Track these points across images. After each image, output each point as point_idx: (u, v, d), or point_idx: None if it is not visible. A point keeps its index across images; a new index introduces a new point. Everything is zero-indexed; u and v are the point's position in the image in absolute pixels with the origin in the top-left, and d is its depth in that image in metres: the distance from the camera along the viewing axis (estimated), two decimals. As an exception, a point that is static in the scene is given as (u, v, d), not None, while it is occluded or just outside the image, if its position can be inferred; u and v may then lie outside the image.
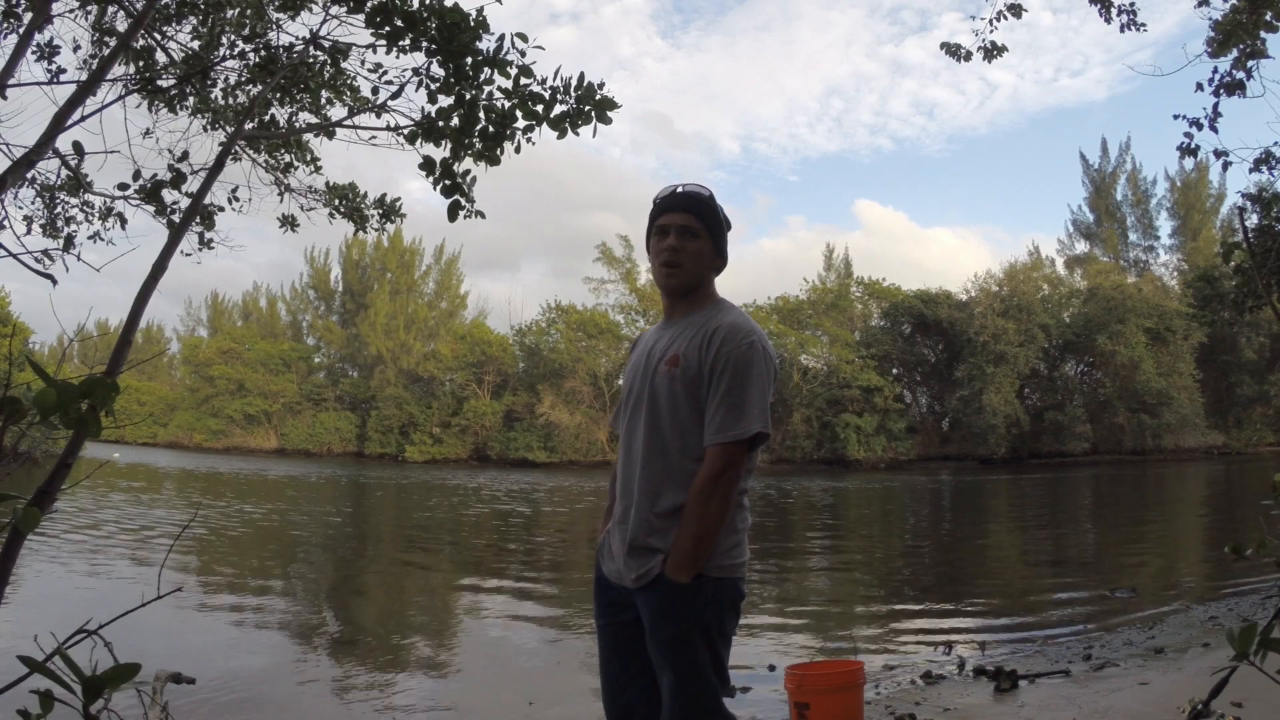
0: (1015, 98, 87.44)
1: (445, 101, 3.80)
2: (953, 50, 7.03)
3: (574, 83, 3.60)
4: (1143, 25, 6.37)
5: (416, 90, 3.86)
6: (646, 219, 2.41)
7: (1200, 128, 6.28)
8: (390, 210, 5.01)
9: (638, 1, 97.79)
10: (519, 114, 3.71)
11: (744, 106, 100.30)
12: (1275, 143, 7.01)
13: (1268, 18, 5.78)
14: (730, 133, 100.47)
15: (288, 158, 5.12)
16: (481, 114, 3.74)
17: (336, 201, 5.07)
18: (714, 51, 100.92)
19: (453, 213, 3.88)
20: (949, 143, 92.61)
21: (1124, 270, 47.26)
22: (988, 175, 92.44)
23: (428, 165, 3.86)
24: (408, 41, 3.68)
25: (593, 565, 2.47)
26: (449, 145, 3.87)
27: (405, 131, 3.94)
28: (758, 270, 74.21)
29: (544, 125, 3.68)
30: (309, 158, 5.15)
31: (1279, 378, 40.68)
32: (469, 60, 3.63)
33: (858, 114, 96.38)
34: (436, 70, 3.77)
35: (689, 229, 2.30)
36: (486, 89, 3.71)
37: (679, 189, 2.36)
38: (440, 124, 3.79)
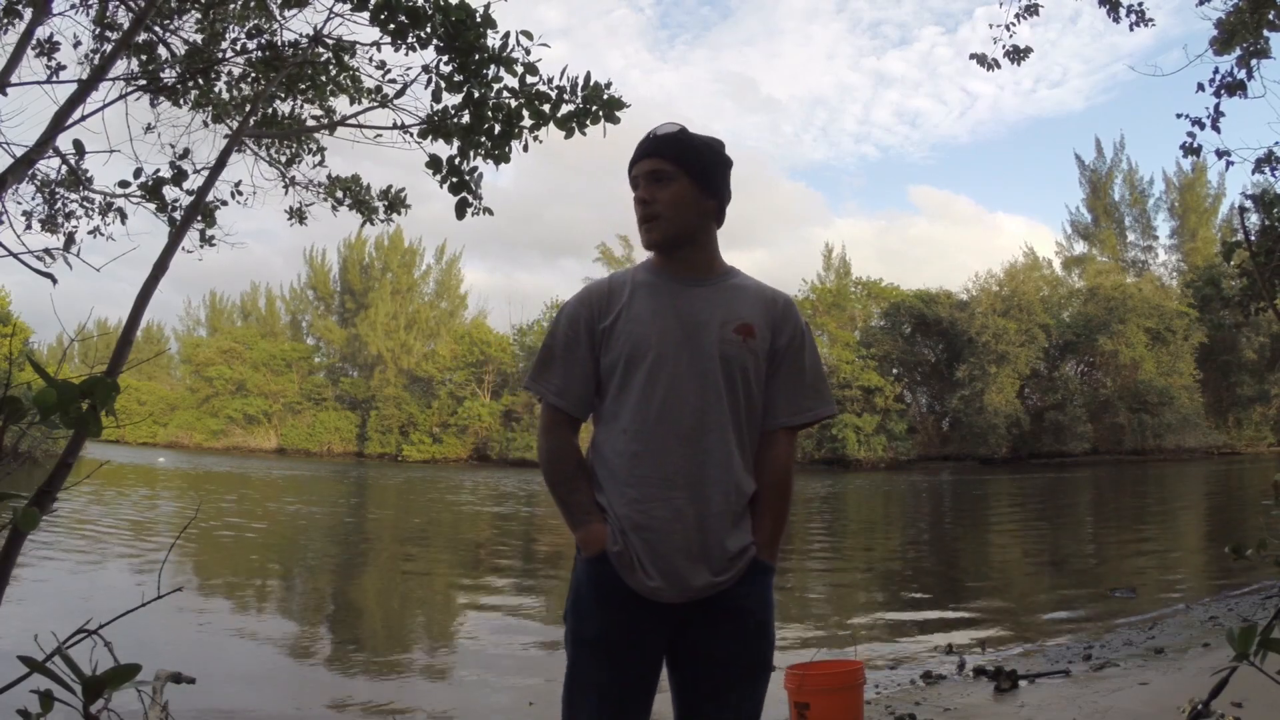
0: (996, 108, 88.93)
1: (451, 99, 3.80)
2: (981, 59, 7.16)
3: (580, 83, 3.60)
4: (1150, 21, 6.42)
5: (426, 88, 3.86)
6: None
7: (1203, 127, 6.29)
8: (396, 201, 4.97)
9: (625, 17, 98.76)
10: (525, 113, 3.71)
11: (730, 116, 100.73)
12: (1276, 143, 7.00)
13: (1270, 17, 5.78)
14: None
15: (292, 149, 5.09)
16: (489, 112, 3.74)
17: (340, 193, 5.03)
18: (700, 65, 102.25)
19: (460, 210, 3.89)
20: (932, 150, 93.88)
21: (1123, 270, 47.20)
22: (975, 181, 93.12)
23: (434, 164, 3.86)
24: (414, 39, 3.68)
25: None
26: (457, 143, 3.87)
27: (415, 129, 3.94)
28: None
29: (551, 125, 3.68)
30: (314, 148, 5.12)
31: (1279, 377, 40.63)
32: (476, 57, 3.62)
33: (842, 123, 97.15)
34: (444, 67, 3.76)
35: (658, 173, 2.01)
36: (495, 86, 3.71)
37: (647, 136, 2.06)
38: (448, 121, 3.80)
